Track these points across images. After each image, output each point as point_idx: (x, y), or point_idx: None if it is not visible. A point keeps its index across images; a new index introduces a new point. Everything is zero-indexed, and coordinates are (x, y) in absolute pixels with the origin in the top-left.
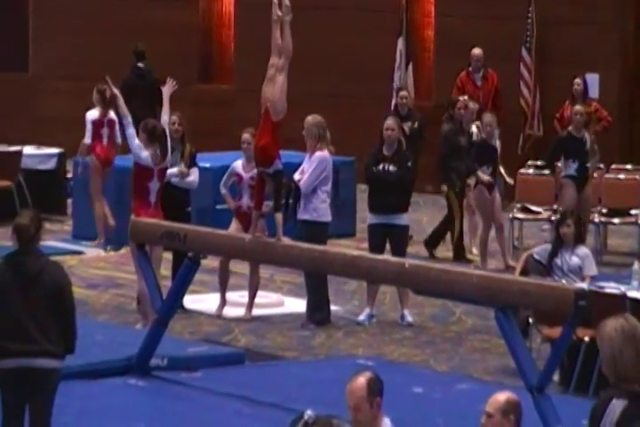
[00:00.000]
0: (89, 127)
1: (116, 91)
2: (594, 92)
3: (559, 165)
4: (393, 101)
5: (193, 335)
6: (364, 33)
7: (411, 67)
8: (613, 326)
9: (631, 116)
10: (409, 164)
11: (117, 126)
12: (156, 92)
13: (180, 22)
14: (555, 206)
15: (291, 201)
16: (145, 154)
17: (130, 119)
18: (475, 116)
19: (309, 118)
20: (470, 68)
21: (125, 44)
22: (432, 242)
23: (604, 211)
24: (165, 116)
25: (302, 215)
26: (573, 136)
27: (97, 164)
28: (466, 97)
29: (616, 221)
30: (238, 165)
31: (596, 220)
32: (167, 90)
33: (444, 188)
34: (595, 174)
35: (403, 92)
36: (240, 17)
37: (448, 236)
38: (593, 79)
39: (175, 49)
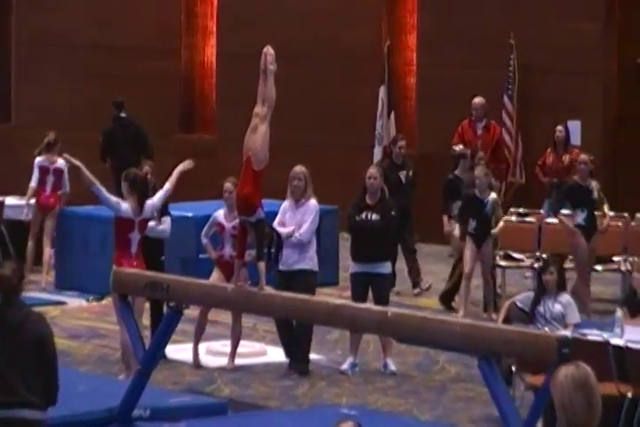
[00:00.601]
0: (35, 172)
1: (77, 163)
2: (576, 139)
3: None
4: (375, 150)
5: (176, 386)
6: (347, 81)
7: (393, 115)
8: (565, 373)
9: (615, 162)
10: (392, 212)
11: (65, 175)
12: (142, 139)
13: (163, 72)
14: (537, 254)
15: (272, 250)
16: (124, 207)
17: (98, 186)
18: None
19: (298, 168)
20: (473, 117)
21: (109, 93)
22: (447, 297)
23: None
24: (168, 185)
25: (298, 265)
26: (580, 185)
27: (35, 208)
28: (461, 146)
29: (599, 268)
30: (220, 214)
31: None
32: (181, 167)
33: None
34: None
35: (401, 142)
36: (222, 67)
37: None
38: (575, 126)
39: (157, 98)
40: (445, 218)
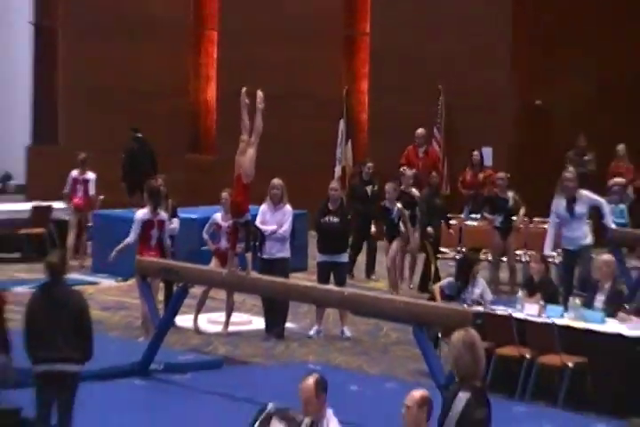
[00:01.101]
0: (68, 181)
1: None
2: (488, 161)
3: (488, 216)
4: (336, 169)
5: (183, 346)
6: (314, 117)
7: (350, 143)
8: (457, 336)
9: (518, 180)
10: (348, 216)
11: (90, 184)
12: (152, 155)
13: (176, 108)
14: (458, 248)
15: (257, 244)
16: (144, 213)
17: (128, 240)
18: (412, 180)
19: (276, 180)
20: (416, 144)
21: (131, 124)
22: (422, 283)
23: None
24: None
25: (280, 253)
26: (498, 196)
27: (72, 210)
28: (405, 167)
29: (504, 258)
30: (218, 216)
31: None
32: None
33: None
34: (521, 225)
35: (369, 164)
36: (221, 104)
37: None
38: (487, 151)
39: (171, 128)
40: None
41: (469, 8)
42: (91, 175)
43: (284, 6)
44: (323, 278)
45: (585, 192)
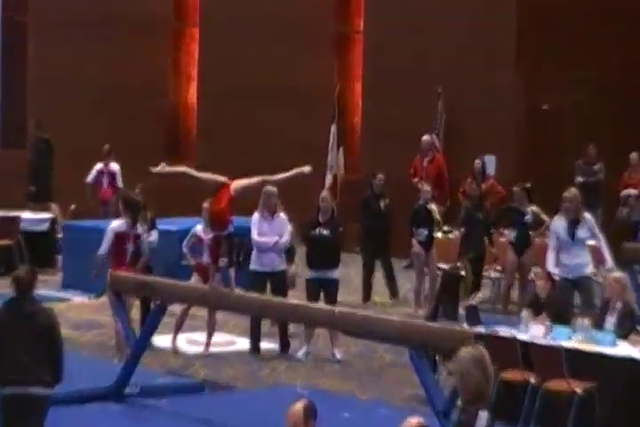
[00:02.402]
0: (93, 172)
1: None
2: (492, 170)
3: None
4: (327, 177)
5: (161, 368)
6: (303, 120)
7: (342, 149)
8: (465, 351)
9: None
10: (340, 229)
11: (117, 176)
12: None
13: (153, 110)
14: (459, 264)
15: (241, 258)
16: (118, 224)
17: (101, 253)
18: (430, 195)
19: (271, 188)
20: (421, 152)
21: (108, 126)
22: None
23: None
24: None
25: (281, 266)
26: (516, 209)
27: (98, 201)
28: (420, 180)
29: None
30: (199, 229)
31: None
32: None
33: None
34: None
35: (380, 175)
36: (202, 106)
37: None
38: (491, 159)
39: (148, 131)
40: (414, 241)
41: (471, 3)
42: (115, 166)
43: (272, 1)
44: (312, 296)
45: (589, 217)
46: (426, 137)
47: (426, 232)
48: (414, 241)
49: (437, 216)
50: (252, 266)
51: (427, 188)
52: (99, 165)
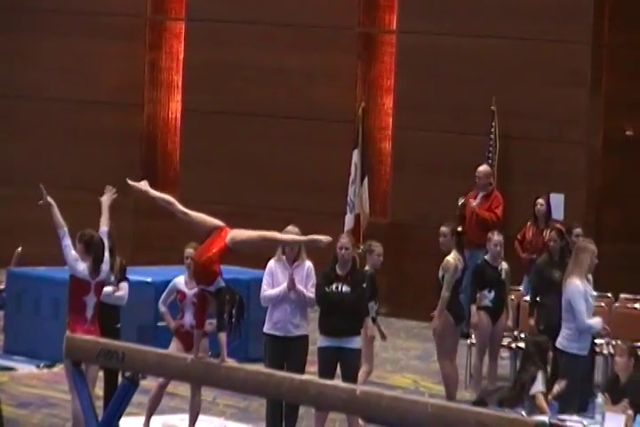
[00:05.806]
0: None
1: (50, 200)
2: (558, 213)
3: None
4: (347, 217)
5: None
6: (319, 143)
7: (366, 181)
8: None
9: (597, 238)
10: (364, 284)
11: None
12: None
13: (125, 126)
14: (515, 333)
15: (234, 319)
16: (82, 266)
17: (65, 229)
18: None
19: (291, 228)
20: (475, 187)
21: (69, 149)
22: None
23: None
24: (104, 227)
25: (299, 330)
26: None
27: None
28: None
29: None
30: (180, 281)
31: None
32: (106, 199)
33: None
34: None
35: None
36: (187, 123)
37: None
38: (558, 199)
39: (118, 155)
40: (474, 308)
41: None
42: None
43: None
44: (326, 370)
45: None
46: (484, 167)
47: (492, 295)
48: (474, 309)
49: (506, 277)
50: (265, 328)
51: (497, 237)
52: None
